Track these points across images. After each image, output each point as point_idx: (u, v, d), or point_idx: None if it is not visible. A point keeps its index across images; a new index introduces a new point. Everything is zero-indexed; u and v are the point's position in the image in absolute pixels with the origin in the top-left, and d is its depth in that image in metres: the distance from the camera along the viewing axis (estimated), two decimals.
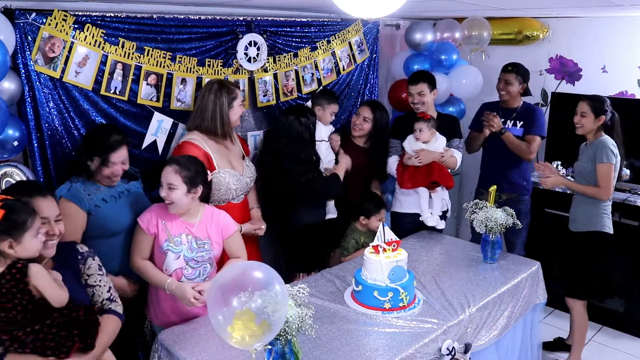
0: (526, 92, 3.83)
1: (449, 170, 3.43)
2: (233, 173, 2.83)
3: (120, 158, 2.41)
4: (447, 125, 3.49)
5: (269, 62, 3.33)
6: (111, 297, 2.02)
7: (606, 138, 3.12)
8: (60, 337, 1.73)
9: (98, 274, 2.01)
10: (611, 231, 3.19)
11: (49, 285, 1.73)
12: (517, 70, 3.72)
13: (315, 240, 3.27)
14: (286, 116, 3.15)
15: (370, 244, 2.53)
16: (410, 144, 3.39)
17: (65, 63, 2.54)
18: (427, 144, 3.35)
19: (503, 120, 3.83)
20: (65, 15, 2.50)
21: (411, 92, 3.43)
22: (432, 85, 3.44)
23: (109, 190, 2.46)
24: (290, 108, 3.29)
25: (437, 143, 3.37)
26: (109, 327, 1.94)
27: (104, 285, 2.01)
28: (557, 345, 3.62)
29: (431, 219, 3.42)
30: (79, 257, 1.99)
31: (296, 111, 3.16)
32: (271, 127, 3.39)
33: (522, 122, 3.78)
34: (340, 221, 3.40)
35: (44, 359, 1.72)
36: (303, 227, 3.21)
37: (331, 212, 3.39)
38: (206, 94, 2.81)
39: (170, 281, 2.36)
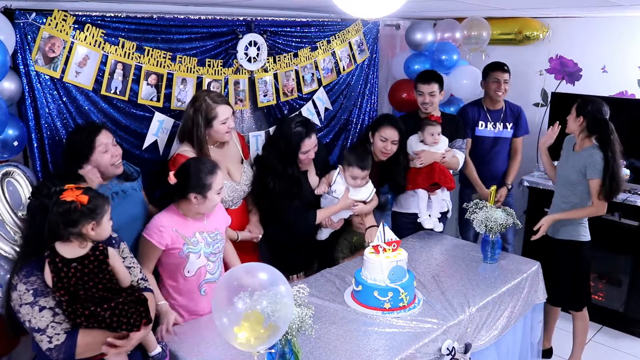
0: None
1: (451, 171, 3.42)
2: (229, 184, 2.78)
3: (105, 139, 2.35)
4: (449, 125, 3.49)
5: (269, 62, 3.32)
6: (144, 277, 2.14)
7: (596, 152, 2.95)
8: (132, 313, 1.87)
9: (130, 257, 2.12)
10: (588, 238, 3.12)
11: (121, 266, 1.93)
12: (509, 69, 3.83)
13: (291, 249, 3.13)
14: (283, 120, 3.10)
15: (371, 244, 2.52)
16: (411, 145, 3.39)
17: (66, 63, 2.54)
18: (428, 145, 3.35)
19: (492, 123, 3.89)
20: (65, 16, 2.50)
21: (422, 92, 3.41)
22: (442, 86, 3.46)
23: (100, 189, 2.38)
24: (293, 116, 3.18)
25: (439, 144, 3.37)
26: (151, 303, 2.05)
27: (137, 267, 2.12)
28: None
29: (429, 221, 3.39)
30: (114, 242, 2.07)
31: (294, 120, 2.99)
32: (275, 128, 3.24)
33: (511, 124, 3.90)
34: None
35: (115, 334, 1.86)
36: (275, 240, 3.12)
37: (324, 235, 3.20)
38: (189, 108, 2.71)
39: (163, 302, 2.35)
